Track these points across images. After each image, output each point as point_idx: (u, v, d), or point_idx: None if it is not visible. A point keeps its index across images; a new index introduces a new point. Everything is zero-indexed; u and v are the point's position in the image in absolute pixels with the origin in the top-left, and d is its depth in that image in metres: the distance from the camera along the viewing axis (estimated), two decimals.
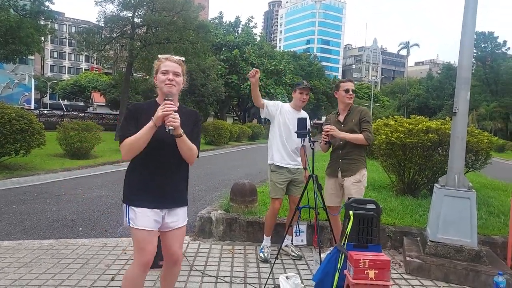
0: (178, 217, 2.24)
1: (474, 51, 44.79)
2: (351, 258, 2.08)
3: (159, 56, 2.24)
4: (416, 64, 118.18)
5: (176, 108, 2.03)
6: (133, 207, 2.12)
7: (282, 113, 3.82)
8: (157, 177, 2.14)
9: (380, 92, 76.31)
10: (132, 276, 2.15)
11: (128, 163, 2.23)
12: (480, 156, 5.86)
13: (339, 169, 3.65)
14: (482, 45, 46.65)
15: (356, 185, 3.54)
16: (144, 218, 2.10)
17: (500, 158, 23.75)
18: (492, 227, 4.41)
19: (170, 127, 1.95)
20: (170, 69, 2.14)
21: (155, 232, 2.15)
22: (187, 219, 2.32)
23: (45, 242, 4.10)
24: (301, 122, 3.21)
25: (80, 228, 4.77)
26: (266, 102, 3.85)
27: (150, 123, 1.99)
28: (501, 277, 3.10)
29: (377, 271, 2.01)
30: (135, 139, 2.02)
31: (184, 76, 2.24)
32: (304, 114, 3.89)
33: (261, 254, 3.81)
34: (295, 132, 3.24)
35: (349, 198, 2.59)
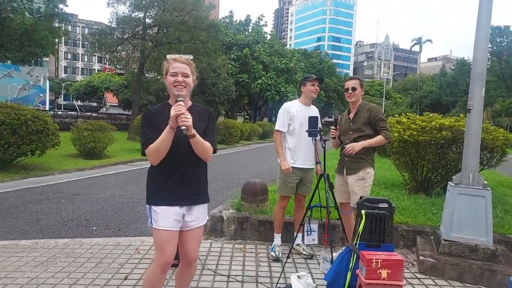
0: (198, 216, 2.26)
1: (489, 45, 43.87)
2: (363, 257, 2.07)
3: (168, 57, 2.25)
4: (429, 60, 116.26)
5: (186, 108, 2.05)
6: (154, 208, 2.15)
7: (293, 115, 3.77)
8: (176, 176, 2.17)
9: (392, 89, 75.37)
10: (152, 276, 2.19)
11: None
12: (495, 153, 5.74)
13: (345, 167, 3.66)
14: (498, 40, 45.62)
15: (360, 182, 3.52)
16: (165, 219, 2.13)
17: None
18: (508, 225, 4.32)
19: (183, 127, 1.98)
20: (178, 70, 2.15)
21: (175, 233, 2.17)
22: (207, 218, 2.33)
23: (60, 241, 4.18)
24: (312, 120, 3.19)
25: (94, 228, 4.84)
26: (283, 128, 3.77)
27: (167, 129, 2.04)
28: None
29: (390, 271, 1.99)
30: (158, 144, 2.06)
31: (193, 75, 2.24)
32: (314, 109, 3.86)
33: (272, 253, 3.81)
34: (306, 131, 3.22)
35: (361, 197, 2.56)
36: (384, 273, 1.98)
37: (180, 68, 2.16)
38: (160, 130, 2.08)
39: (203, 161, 2.25)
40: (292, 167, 3.73)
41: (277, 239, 3.92)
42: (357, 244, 2.23)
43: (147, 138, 2.10)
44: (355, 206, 3.26)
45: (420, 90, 58.57)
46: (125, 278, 3.22)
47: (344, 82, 3.77)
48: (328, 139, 3.46)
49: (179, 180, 2.18)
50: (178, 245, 2.28)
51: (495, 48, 45.08)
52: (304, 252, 3.90)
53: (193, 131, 2.03)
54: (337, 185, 3.74)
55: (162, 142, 2.04)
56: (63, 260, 3.59)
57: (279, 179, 3.88)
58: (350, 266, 2.22)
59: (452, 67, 62.16)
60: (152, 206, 2.16)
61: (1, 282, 3.06)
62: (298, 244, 3.94)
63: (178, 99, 2.06)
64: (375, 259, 2.00)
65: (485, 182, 3.69)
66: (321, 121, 3.97)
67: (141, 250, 3.94)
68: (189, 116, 2.00)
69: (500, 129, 5.90)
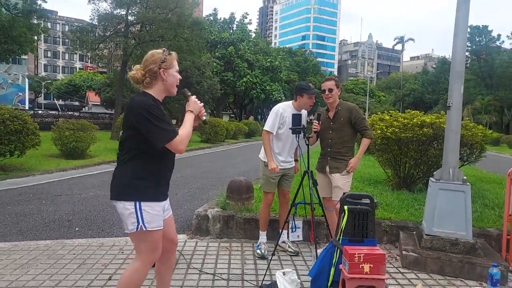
0: (168, 203, 2.34)
1: (469, 44, 44.95)
2: (346, 252, 2.09)
3: (164, 50, 2.16)
4: (412, 58, 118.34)
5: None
6: (147, 206, 2.05)
7: (284, 120, 3.72)
8: (164, 170, 2.17)
9: (376, 87, 76.40)
10: (140, 278, 2.12)
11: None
12: (475, 150, 5.89)
13: (328, 165, 3.73)
14: (477, 39, 46.79)
15: (344, 177, 3.62)
16: (158, 218, 2.10)
17: (495, 151, 23.92)
18: (487, 219, 4.45)
19: (204, 117, 2.25)
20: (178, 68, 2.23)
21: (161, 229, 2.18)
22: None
23: (42, 243, 4.09)
24: (296, 118, 3.21)
25: (77, 228, 4.76)
26: (273, 129, 3.73)
27: (192, 115, 2.17)
28: (496, 268, 3.13)
29: (372, 265, 2.02)
30: (189, 131, 2.11)
31: None
32: (304, 113, 3.86)
33: (258, 251, 3.82)
34: (289, 128, 3.24)
35: (344, 193, 2.59)
36: (366, 267, 2.01)
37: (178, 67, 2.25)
38: None
39: None
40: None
41: (263, 236, 3.93)
42: (340, 240, 2.26)
43: (171, 126, 2.05)
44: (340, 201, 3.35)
45: (403, 88, 59.61)
46: (109, 279, 3.17)
47: (321, 83, 3.80)
48: (312, 136, 3.49)
49: (167, 174, 2.22)
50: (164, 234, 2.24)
51: (474, 47, 46.23)
52: (290, 249, 3.92)
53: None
54: (319, 182, 3.78)
55: (191, 128, 2.14)
56: (44, 262, 3.51)
57: (262, 175, 3.90)
58: (334, 261, 2.25)
59: (434, 66, 63.53)
60: (143, 203, 2.04)
61: None
62: (284, 242, 3.96)
63: (188, 93, 2.25)
64: (358, 253, 2.03)
65: (465, 177, 3.78)
66: (308, 119, 3.99)
67: (125, 250, 3.89)
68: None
69: (479, 126, 6.06)
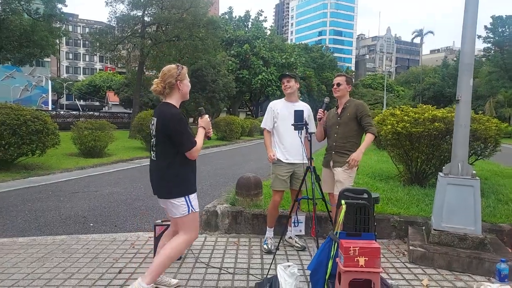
0: None
1: (491, 35, 43.41)
2: (341, 246, 2.12)
3: (179, 65, 2.72)
4: (432, 52, 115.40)
5: None
6: (192, 196, 2.71)
7: (277, 113, 3.89)
8: (194, 169, 2.81)
9: (394, 82, 75.02)
10: (183, 249, 2.82)
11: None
12: (489, 144, 5.75)
13: (332, 160, 3.76)
14: (500, 30, 45.13)
15: (346, 172, 3.64)
16: (197, 202, 2.77)
17: None
18: (500, 215, 4.35)
19: (209, 135, 2.81)
20: None
21: None
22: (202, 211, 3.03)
23: (58, 238, 4.27)
24: (298, 114, 3.23)
25: (91, 224, 4.93)
26: (267, 126, 3.97)
27: (203, 130, 2.78)
28: (504, 264, 3.09)
29: (367, 259, 2.04)
30: (201, 143, 2.72)
31: None
32: (301, 105, 3.94)
33: (265, 246, 3.88)
34: (292, 125, 3.26)
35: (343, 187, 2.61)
36: (361, 260, 2.03)
37: None
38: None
39: None
40: (284, 162, 3.82)
41: (270, 232, 3.98)
42: (338, 234, 2.28)
43: (193, 138, 2.64)
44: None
45: (422, 82, 58.24)
46: (119, 272, 3.29)
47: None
48: (314, 132, 3.51)
49: (195, 173, 2.83)
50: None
51: (497, 38, 44.58)
52: (297, 245, 3.95)
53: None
54: (324, 177, 3.82)
55: (202, 141, 2.73)
56: (59, 256, 3.67)
57: (271, 174, 3.96)
58: (331, 254, 2.27)
59: (455, 59, 61.72)
60: (190, 195, 2.69)
61: None
62: (290, 237, 4.00)
63: (203, 112, 2.84)
64: (353, 247, 2.05)
65: (474, 171, 3.72)
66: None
67: (136, 245, 4.01)
68: None
69: (493, 119, 5.90)
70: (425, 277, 3.28)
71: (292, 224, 3.18)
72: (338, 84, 3.77)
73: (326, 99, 3.79)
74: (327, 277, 2.31)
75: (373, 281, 2.10)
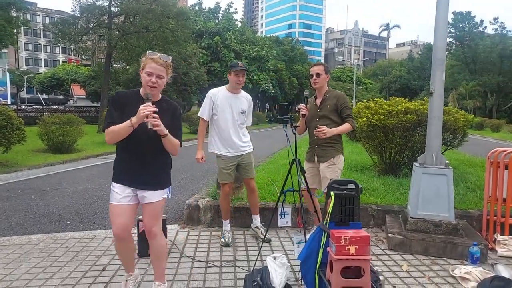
0: (153, 194, 2.50)
1: (453, 31, 45.31)
2: (333, 235, 2.18)
3: (147, 53, 2.38)
4: (398, 45, 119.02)
5: (155, 102, 2.33)
6: (113, 185, 2.47)
7: (217, 104, 3.78)
8: (137, 164, 2.43)
9: (362, 75, 76.77)
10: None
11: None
12: (457, 134, 6.06)
13: (315, 154, 3.73)
14: (460, 25, 47.20)
15: (331, 167, 3.61)
16: (117, 196, 2.45)
17: (479, 135, 24.45)
18: (469, 201, 4.62)
19: (150, 127, 2.21)
20: (154, 71, 2.33)
21: (124, 207, 2.47)
22: (164, 196, 2.58)
23: (33, 237, 4.10)
24: (283, 108, 3.25)
25: (68, 222, 4.77)
26: (204, 115, 3.85)
27: (128, 123, 2.25)
28: (476, 247, 3.29)
29: (357, 247, 2.12)
30: (116, 131, 2.30)
31: (168, 75, 2.44)
32: (243, 98, 3.90)
33: (223, 239, 3.86)
34: (277, 118, 3.28)
35: (331, 179, 2.68)
36: (352, 249, 2.11)
37: (156, 70, 2.33)
38: (124, 115, 2.31)
39: (166, 153, 2.52)
40: (222, 155, 3.83)
41: (226, 225, 4.01)
42: (327, 224, 2.35)
43: (111, 120, 2.33)
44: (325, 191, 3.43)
45: (389, 75, 60.05)
46: (103, 270, 3.22)
47: (310, 68, 3.80)
48: (299, 126, 3.55)
49: (138, 167, 2.43)
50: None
51: (457, 33, 46.62)
52: (261, 236, 3.95)
53: (166, 132, 2.30)
54: (308, 172, 3.77)
55: (120, 132, 2.29)
56: (37, 256, 3.54)
57: (217, 167, 3.93)
58: (321, 244, 2.34)
59: (419, 52, 64.03)
60: (112, 183, 2.46)
61: None
62: (256, 227, 4.06)
63: (147, 98, 2.26)
64: (344, 236, 2.12)
65: (447, 161, 3.92)
66: (294, 108, 4.05)
67: None
68: (157, 117, 2.22)
69: (461, 111, 6.22)
70: (404, 262, 3.44)
71: (279, 216, 3.23)
72: (318, 75, 3.63)
73: (306, 93, 3.67)
74: (317, 266, 2.38)
75: (363, 268, 2.18)
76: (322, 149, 3.68)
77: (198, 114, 3.91)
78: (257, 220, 4.07)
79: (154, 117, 2.20)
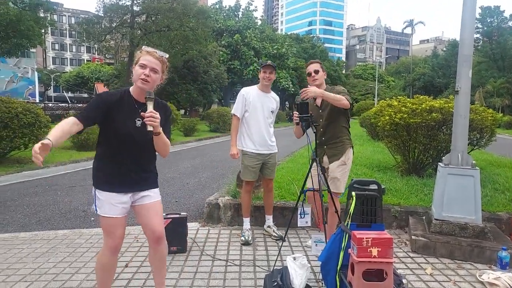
0: (148, 193, 2.30)
1: (480, 26, 43.84)
2: (354, 237, 2.15)
3: (143, 47, 2.21)
4: (421, 42, 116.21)
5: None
6: (99, 193, 2.19)
7: (249, 101, 3.81)
8: (125, 167, 2.19)
9: (385, 72, 75.39)
10: (102, 259, 2.37)
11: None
12: (485, 134, 5.86)
13: (325, 154, 3.54)
14: (488, 20, 45.60)
15: (341, 167, 3.47)
16: (110, 206, 2.20)
17: (508, 135, 23.55)
18: (497, 203, 4.45)
19: (150, 129, 2.01)
20: (148, 64, 2.12)
21: (121, 218, 2.25)
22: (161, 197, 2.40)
23: (60, 233, 4.24)
24: (303, 107, 3.19)
25: (92, 218, 4.90)
26: (237, 112, 3.86)
27: (49, 142, 1.81)
28: (505, 252, 3.17)
29: (380, 249, 2.08)
30: (66, 131, 1.96)
31: (162, 74, 2.22)
32: (273, 97, 3.94)
33: (243, 238, 3.86)
34: (297, 117, 3.24)
35: (352, 180, 2.64)
36: (374, 251, 2.07)
37: (151, 62, 2.13)
38: (110, 117, 2.10)
39: (154, 155, 2.30)
40: (253, 152, 3.83)
41: (246, 223, 4.02)
42: (349, 225, 2.31)
43: (84, 113, 2.07)
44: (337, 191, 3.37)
45: (412, 72, 58.71)
46: (126, 266, 3.29)
47: (305, 67, 3.65)
48: (319, 124, 3.50)
49: (136, 169, 2.23)
50: (142, 226, 2.34)
51: (485, 28, 45.09)
52: (274, 234, 3.98)
53: (160, 129, 2.07)
54: (315, 173, 3.63)
55: (63, 136, 1.95)
56: (63, 251, 3.65)
57: (241, 164, 3.94)
58: (343, 246, 2.31)
59: (444, 49, 62.26)
60: (97, 191, 2.18)
61: (4, 273, 3.12)
62: (269, 226, 4.07)
63: (149, 96, 2.05)
64: (366, 238, 2.08)
65: (474, 161, 3.79)
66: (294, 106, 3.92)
67: (139, 238, 4.01)
68: (158, 116, 2.01)
69: (488, 109, 6.00)
70: (428, 266, 3.36)
71: (299, 216, 3.20)
72: (316, 71, 3.46)
73: (298, 100, 3.36)
74: (338, 268, 2.35)
75: (386, 271, 2.14)
76: (331, 147, 3.51)
77: (232, 112, 3.95)
78: (269, 220, 4.11)
79: (155, 117, 2.00)
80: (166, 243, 2.39)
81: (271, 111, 3.92)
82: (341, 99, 3.23)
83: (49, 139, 1.82)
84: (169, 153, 2.29)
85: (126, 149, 2.17)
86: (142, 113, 2.03)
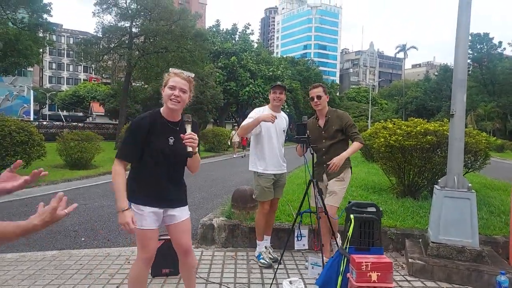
0: (181, 211, 2.43)
1: (470, 52, 45.00)
2: (353, 261, 2.10)
3: (170, 69, 2.35)
4: (413, 66, 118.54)
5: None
6: (136, 207, 2.28)
7: (260, 124, 3.77)
8: (163, 185, 2.33)
9: (378, 95, 76.47)
10: (135, 273, 2.42)
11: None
12: (479, 157, 5.89)
13: (324, 173, 3.66)
14: (478, 46, 46.89)
15: (339, 182, 3.57)
16: (146, 219, 2.33)
17: (499, 157, 23.78)
18: (493, 227, 4.42)
19: (190, 150, 2.16)
20: (177, 85, 2.24)
21: (155, 230, 2.38)
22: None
23: (48, 254, 4.11)
24: (300, 128, 3.21)
25: (83, 239, 4.78)
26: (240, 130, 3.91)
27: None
28: (504, 276, 3.11)
29: (379, 274, 2.03)
30: (118, 184, 2.20)
31: (191, 92, 2.35)
32: (283, 117, 3.96)
33: (262, 260, 3.79)
34: (295, 137, 3.25)
35: (349, 202, 2.61)
36: (374, 275, 2.02)
37: (179, 83, 2.25)
38: (150, 143, 2.23)
39: (184, 169, 2.44)
40: (265, 173, 3.79)
41: (261, 246, 3.92)
42: (347, 248, 2.27)
43: (127, 151, 2.28)
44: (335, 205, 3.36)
45: (405, 96, 59.61)
46: None
47: (309, 91, 3.78)
48: (317, 146, 3.50)
49: (170, 187, 2.35)
50: (172, 240, 2.48)
51: (475, 54, 46.29)
52: (270, 256, 3.87)
53: (196, 150, 2.24)
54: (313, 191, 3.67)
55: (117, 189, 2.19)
56: (51, 273, 3.53)
57: (256, 186, 3.88)
58: (341, 270, 2.25)
59: (436, 73, 63.52)
60: (133, 205, 2.25)
61: None
62: (265, 247, 3.97)
63: (187, 120, 2.22)
64: (365, 262, 2.04)
65: (470, 184, 3.78)
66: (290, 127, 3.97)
67: (131, 260, 3.90)
68: (196, 137, 2.18)
69: (482, 133, 6.06)
70: None
71: (295, 238, 3.15)
72: (319, 97, 3.62)
73: (305, 119, 3.41)
74: None
75: None
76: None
77: (243, 123, 3.85)
78: (267, 241, 4.01)
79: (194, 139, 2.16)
80: (194, 256, 2.59)
81: (283, 130, 3.94)
82: (359, 147, 3.55)
83: (125, 207, 2.15)
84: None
85: (160, 165, 2.29)
86: (182, 135, 2.17)
